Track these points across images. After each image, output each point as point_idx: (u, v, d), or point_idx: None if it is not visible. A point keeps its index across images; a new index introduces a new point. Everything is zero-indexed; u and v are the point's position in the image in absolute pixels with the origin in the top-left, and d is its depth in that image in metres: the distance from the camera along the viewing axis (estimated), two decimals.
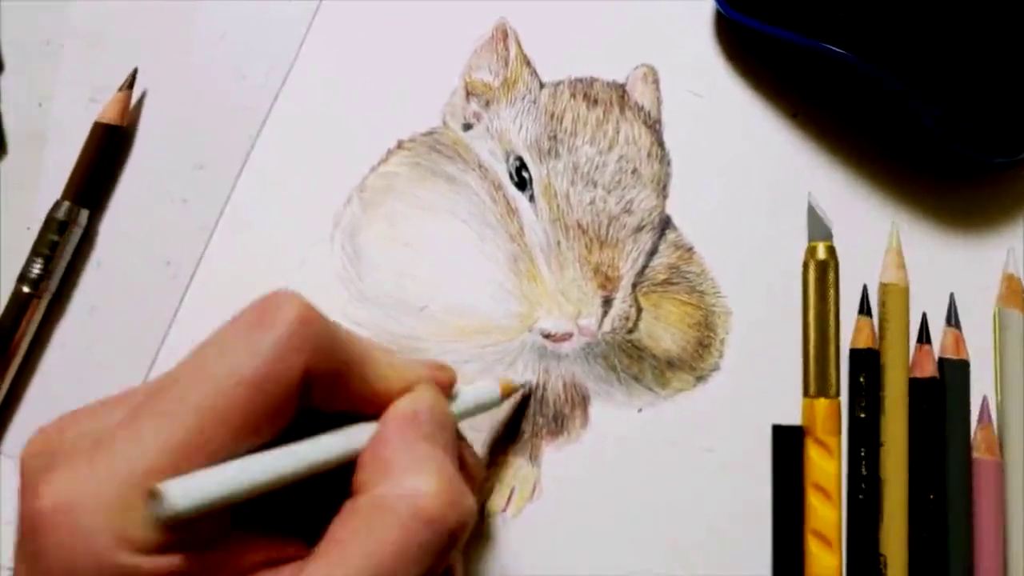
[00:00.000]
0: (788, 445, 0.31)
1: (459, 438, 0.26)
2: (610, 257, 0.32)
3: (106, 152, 0.32)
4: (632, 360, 0.32)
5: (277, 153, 0.33)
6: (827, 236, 0.32)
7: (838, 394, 0.31)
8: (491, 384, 0.28)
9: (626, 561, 0.31)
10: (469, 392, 0.27)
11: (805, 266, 0.32)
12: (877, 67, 0.29)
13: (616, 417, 0.31)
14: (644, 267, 0.32)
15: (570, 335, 0.31)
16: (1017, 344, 0.31)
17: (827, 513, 0.30)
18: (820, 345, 0.31)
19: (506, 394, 0.29)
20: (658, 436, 0.31)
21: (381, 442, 0.21)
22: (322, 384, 0.21)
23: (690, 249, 0.32)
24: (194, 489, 0.18)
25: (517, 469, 0.31)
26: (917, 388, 0.31)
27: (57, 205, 0.32)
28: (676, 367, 0.32)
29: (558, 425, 0.31)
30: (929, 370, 0.31)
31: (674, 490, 0.31)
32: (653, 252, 0.32)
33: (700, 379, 0.32)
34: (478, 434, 0.31)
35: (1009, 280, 0.32)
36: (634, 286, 0.32)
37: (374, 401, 0.23)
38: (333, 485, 0.21)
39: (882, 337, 0.31)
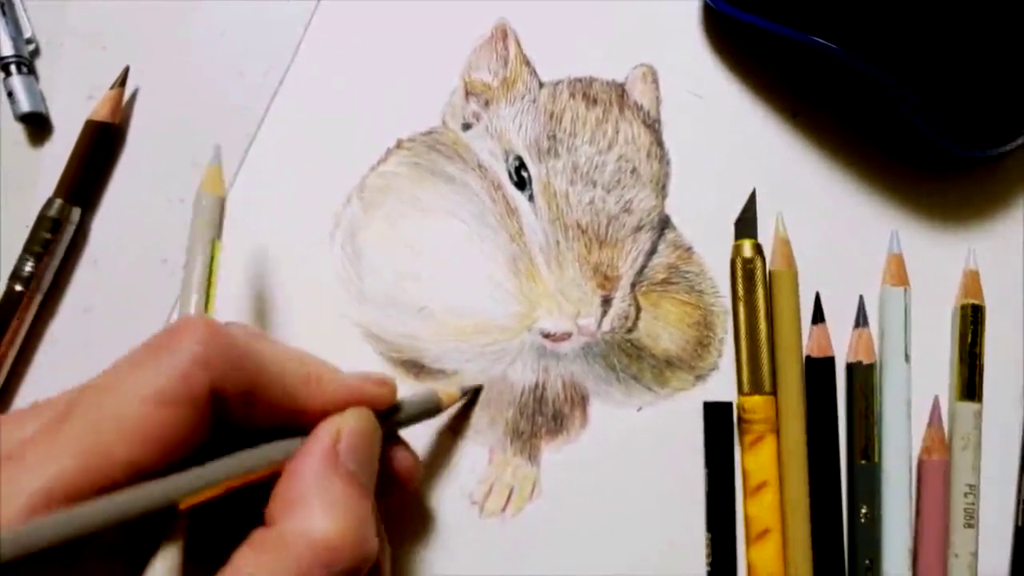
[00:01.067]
0: (719, 420, 0.31)
1: (397, 443, 0.26)
2: (609, 257, 0.32)
3: (99, 150, 0.32)
4: (631, 359, 0.32)
5: (275, 153, 0.33)
6: (753, 234, 0.32)
7: (773, 391, 0.31)
8: (431, 394, 0.28)
9: (625, 561, 0.30)
10: (412, 403, 0.27)
11: (732, 264, 0.32)
12: (863, 60, 0.30)
13: (615, 416, 0.31)
14: (643, 267, 0.32)
15: (569, 335, 0.31)
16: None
17: (764, 504, 0.30)
18: (750, 344, 0.31)
19: (449, 403, 0.29)
20: (657, 436, 0.31)
21: (295, 473, 0.22)
22: (237, 401, 0.21)
23: (689, 249, 0.32)
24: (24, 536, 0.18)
25: (516, 469, 0.31)
26: (812, 368, 0.31)
27: (49, 203, 0.31)
28: (675, 366, 0.32)
29: (557, 425, 0.31)
30: (824, 350, 0.31)
31: (673, 490, 0.31)
32: (652, 252, 0.32)
33: (699, 378, 0.32)
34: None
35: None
36: (633, 286, 0.32)
37: (302, 418, 0.23)
38: (254, 510, 0.21)
39: (774, 323, 0.31)
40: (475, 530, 0.31)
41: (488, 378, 0.31)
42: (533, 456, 0.31)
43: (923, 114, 0.30)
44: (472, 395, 0.31)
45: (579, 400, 0.31)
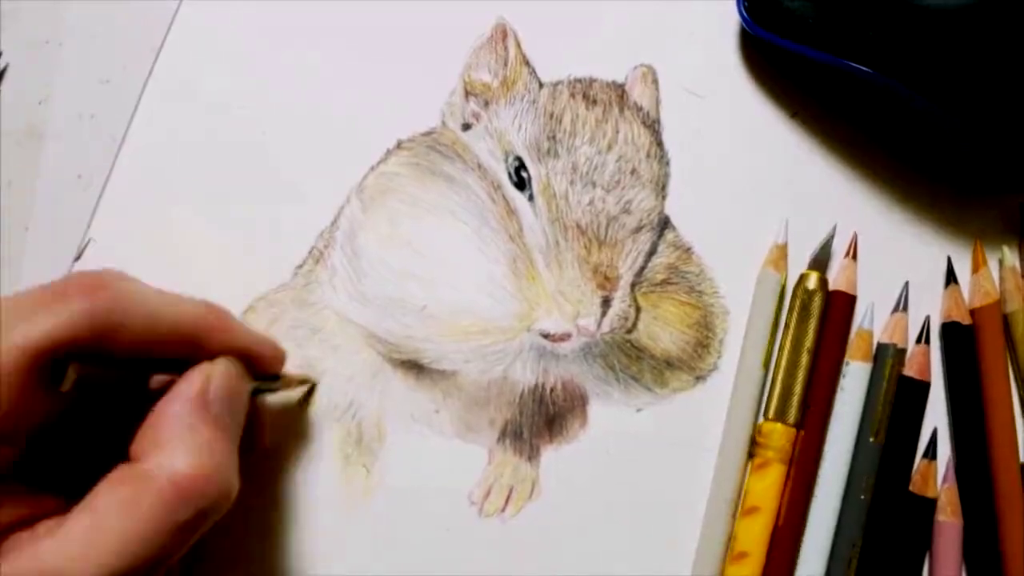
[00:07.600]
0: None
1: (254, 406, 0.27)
2: (609, 257, 0.32)
3: None
4: (631, 360, 0.32)
5: (275, 153, 0.33)
6: (822, 268, 0.32)
7: (796, 424, 0.30)
8: (305, 377, 0.30)
9: (624, 561, 0.30)
10: (289, 378, 0.29)
11: (793, 291, 0.32)
12: (905, 85, 0.29)
13: (615, 417, 0.31)
14: (643, 267, 0.32)
15: (569, 335, 0.31)
16: (768, 298, 0.31)
17: (752, 528, 0.30)
18: (787, 373, 0.31)
19: (286, 385, 0.29)
20: (657, 436, 0.31)
21: (163, 413, 0.22)
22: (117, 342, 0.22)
23: (688, 249, 0.32)
24: None
25: (516, 469, 0.31)
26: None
27: None
28: (675, 367, 0.32)
29: (557, 425, 0.31)
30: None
31: (673, 490, 0.31)
32: (652, 252, 0.32)
33: (699, 379, 0.32)
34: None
35: (778, 248, 0.32)
36: (633, 286, 0.32)
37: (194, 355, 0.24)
38: (114, 445, 0.22)
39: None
40: (475, 530, 0.31)
41: (488, 378, 0.31)
42: (533, 456, 0.31)
43: (966, 137, 0.30)
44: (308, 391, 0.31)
45: (579, 401, 0.31)
